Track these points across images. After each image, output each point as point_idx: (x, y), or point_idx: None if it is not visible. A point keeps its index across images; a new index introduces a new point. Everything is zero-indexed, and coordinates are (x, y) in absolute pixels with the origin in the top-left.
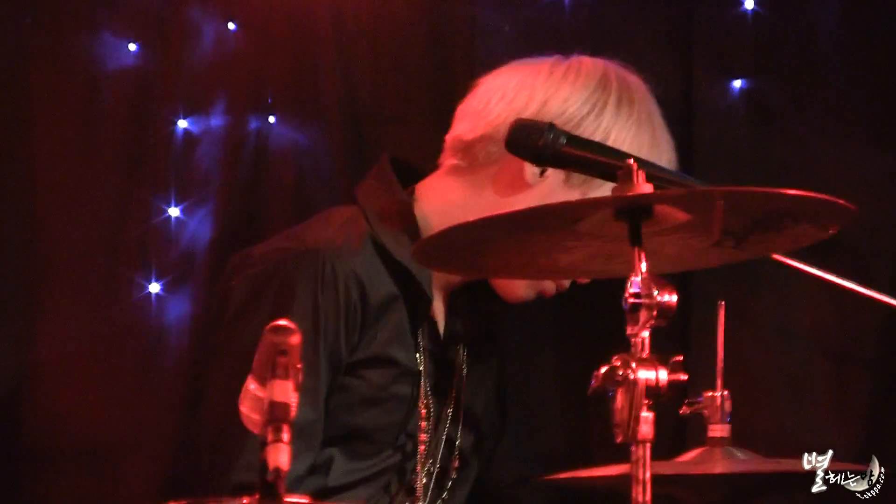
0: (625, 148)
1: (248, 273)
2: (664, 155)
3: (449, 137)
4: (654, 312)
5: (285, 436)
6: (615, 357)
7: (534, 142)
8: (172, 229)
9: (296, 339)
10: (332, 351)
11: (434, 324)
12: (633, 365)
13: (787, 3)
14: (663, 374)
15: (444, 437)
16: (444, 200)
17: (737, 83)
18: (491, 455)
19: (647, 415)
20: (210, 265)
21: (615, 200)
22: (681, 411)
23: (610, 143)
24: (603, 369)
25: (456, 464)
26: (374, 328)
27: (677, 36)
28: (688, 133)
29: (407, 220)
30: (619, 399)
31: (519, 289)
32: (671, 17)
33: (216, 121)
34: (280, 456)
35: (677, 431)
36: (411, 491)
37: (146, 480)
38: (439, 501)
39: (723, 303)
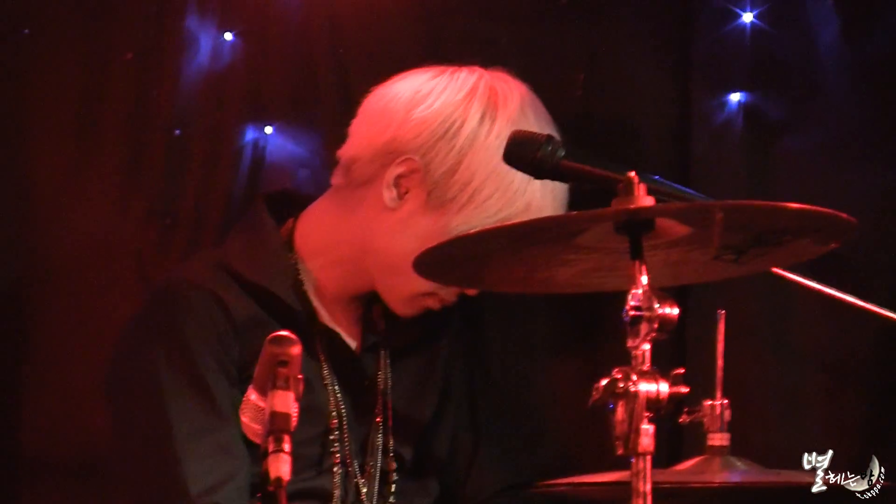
0: (483, 167)
1: (137, 315)
2: (537, 192)
3: (338, 153)
4: (655, 325)
5: (286, 446)
6: (616, 369)
7: (532, 154)
8: (170, 238)
9: (296, 350)
10: (220, 368)
11: (336, 335)
12: (634, 377)
13: (786, 17)
14: (664, 387)
15: (378, 443)
16: (317, 222)
17: (734, 97)
18: (449, 459)
19: (647, 427)
20: None
21: (615, 214)
22: (680, 420)
23: (464, 164)
24: (603, 382)
25: (393, 467)
26: (252, 345)
27: (675, 50)
28: (685, 147)
29: (270, 246)
30: (620, 412)
31: (399, 306)
32: (668, 30)
33: (212, 131)
34: (281, 466)
35: (675, 440)
36: (356, 500)
37: None
38: (386, 501)
39: (723, 312)
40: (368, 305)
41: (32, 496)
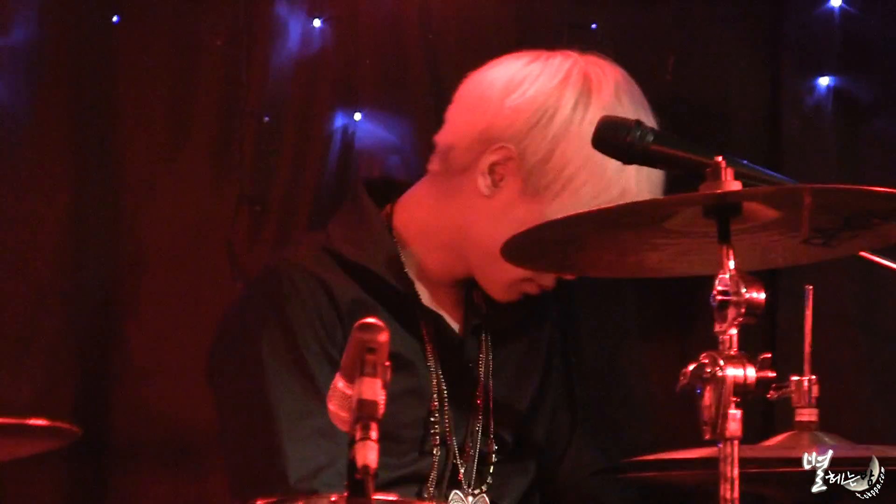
0: (577, 154)
1: (242, 297)
2: (632, 179)
3: (435, 139)
4: (743, 310)
5: (373, 433)
6: (703, 354)
7: (621, 139)
8: (260, 224)
9: (384, 337)
10: (325, 355)
11: (439, 317)
12: (721, 362)
13: (875, 0)
14: (751, 372)
15: (478, 426)
16: (416, 207)
17: (824, 81)
18: (547, 441)
19: (734, 412)
20: None
21: (704, 198)
22: (768, 396)
23: (559, 151)
24: (691, 366)
25: (493, 448)
26: None
27: (764, 34)
28: (776, 131)
29: (374, 230)
30: (707, 396)
31: (498, 292)
32: (758, 15)
33: (302, 118)
34: (368, 454)
35: (765, 417)
36: (453, 481)
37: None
38: (484, 486)
39: (811, 287)
40: (470, 289)
41: (123, 483)
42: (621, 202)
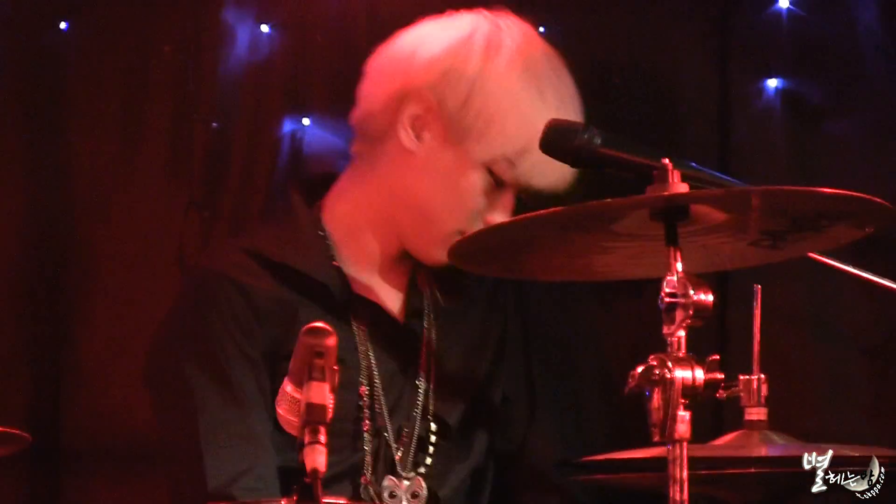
0: (495, 93)
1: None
2: (552, 112)
3: (350, 120)
4: (691, 311)
5: (322, 437)
6: (651, 356)
7: (569, 143)
8: (210, 229)
9: (332, 341)
10: (243, 356)
11: (373, 305)
12: (670, 364)
13: (823, 2)
14: (700, 374)
15: (416, 410)
16: (341, 194)
17: (773, 82)
18: (500, 430)
19: (683, 414)
20: None
21: (651, 200)
22: (717, 395)
23: (476, 91)
24: (640, 368)
25: (432, 429)
26: (279, 329)
27: (713, 36)
28: (724, 133)
29: (300, 227)
30: (656, 398)
31: (434, 252)
32: (706, 16)
33: (251, 123)
34: (317, 457)
35: (714, 416)
36: (390, 467)
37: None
38: (422, 469)
39: (759, 287)
40: (414, 274)
41: (75, 488)
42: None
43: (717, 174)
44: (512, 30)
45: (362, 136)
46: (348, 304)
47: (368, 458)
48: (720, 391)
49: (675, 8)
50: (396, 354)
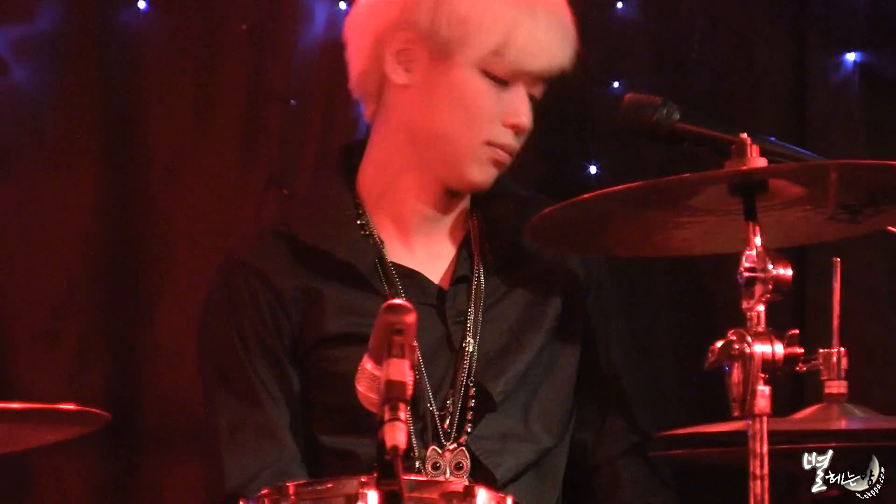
0: (465, 4)
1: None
2: (536, 40)
3: (351, 91)
4: (770, 286)
5: (402, 414)
6: (731, 331)
7: (647, 118)
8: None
9: (411, 318)
10: (264, 350)
11: (414, 274)
12: (749, 339)
13: None
14: (779, 348)
15: (461, 381)
16: (368, 156)
17: (850, 56)
18: (558, 407)
19: (763, 389)
20: None
21: (729, 175)
22: (797, 368)
23: (442, 11)
24: (719, 343)
25: (471, 404)
26: (311, 310)
27: (789, 10)
28: (801, 108)
29: (332, 202)
30: (736, 373)
31: (471, 172)
32: None
33: (328, 101)
34: (397, 434)
35: (795, 390)
36: (435, 437)
37: None
38: (466, 439)
39: (838, 260)
40: (468, 235)
41: (152, 467)
42: (532, 32)
43: (796, 148)
44: None
45: (365, 98)
46: (382, 277)
47: (412, 429)
48: (800, 365)
49: None
50: (439, 322)
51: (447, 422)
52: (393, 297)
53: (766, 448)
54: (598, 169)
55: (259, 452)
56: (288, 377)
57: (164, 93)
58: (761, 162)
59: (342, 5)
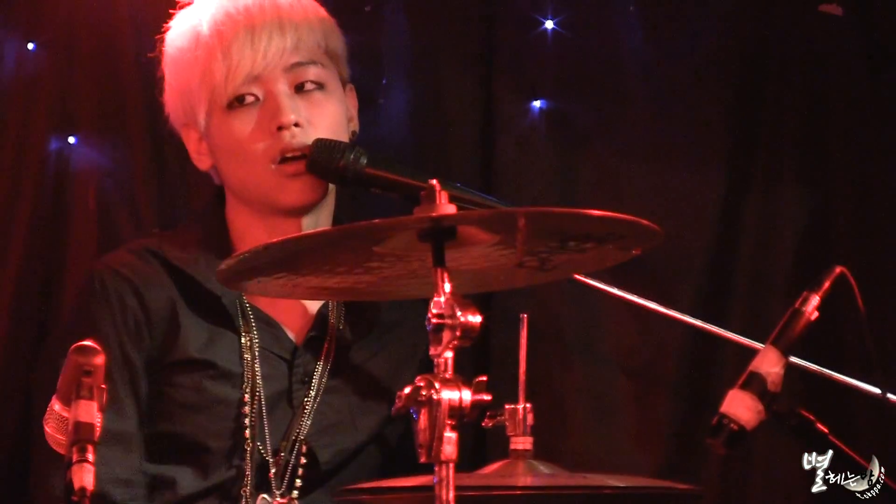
0: (167, 65)
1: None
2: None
3: None
4: (458, 332)
5: (90, 455)
6: (419, 377)
7: (334, 163)
8: None
9: (100, 360)
10: (124, 358)
11: (272, 324)
12: (437, 385)
13: (589, 23)
14: (467, 395)
15: (294, 435)
16: (229, 201)
17: (537, 103)
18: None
19: (450, 435)
20: None
21: (418, 221)
22: (483, 424)
23: (166, 82)
24: (407, 389)
25: (302, 462)
26: (171, 331)
27: (479, 56)
28: (490, 154)
29: (209, 231)
30: (423, 419)
31: (278, 190)
32: (472, 36)
33: (18, 141)
34: (85, 476)
35: (478, 444)
36: (265, 488)
37: None
38: (295, 493)
39: (525, 315)
40: (326, 303)
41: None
42: (234, 65)
43: (485, 195)
44: (201, 13)
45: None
46: (245, 321)
47: (247, 474)
48: (486, 420)
49: (441, 27)
50: (286, 373)
51: (279, 473)
52: (250, 341)
53: (452, 494)
54: None
55: (113, 457)
56: (139, 393)
57: None
58: (450, 208)
59: (31, 45)
